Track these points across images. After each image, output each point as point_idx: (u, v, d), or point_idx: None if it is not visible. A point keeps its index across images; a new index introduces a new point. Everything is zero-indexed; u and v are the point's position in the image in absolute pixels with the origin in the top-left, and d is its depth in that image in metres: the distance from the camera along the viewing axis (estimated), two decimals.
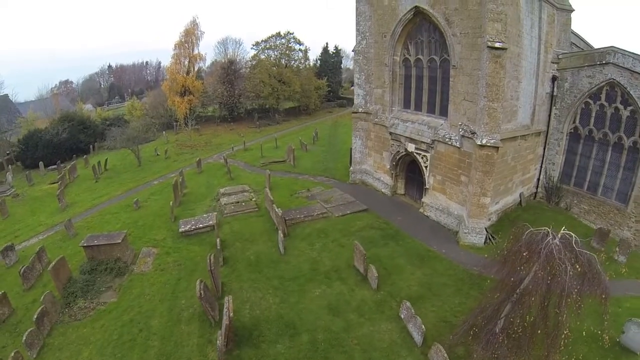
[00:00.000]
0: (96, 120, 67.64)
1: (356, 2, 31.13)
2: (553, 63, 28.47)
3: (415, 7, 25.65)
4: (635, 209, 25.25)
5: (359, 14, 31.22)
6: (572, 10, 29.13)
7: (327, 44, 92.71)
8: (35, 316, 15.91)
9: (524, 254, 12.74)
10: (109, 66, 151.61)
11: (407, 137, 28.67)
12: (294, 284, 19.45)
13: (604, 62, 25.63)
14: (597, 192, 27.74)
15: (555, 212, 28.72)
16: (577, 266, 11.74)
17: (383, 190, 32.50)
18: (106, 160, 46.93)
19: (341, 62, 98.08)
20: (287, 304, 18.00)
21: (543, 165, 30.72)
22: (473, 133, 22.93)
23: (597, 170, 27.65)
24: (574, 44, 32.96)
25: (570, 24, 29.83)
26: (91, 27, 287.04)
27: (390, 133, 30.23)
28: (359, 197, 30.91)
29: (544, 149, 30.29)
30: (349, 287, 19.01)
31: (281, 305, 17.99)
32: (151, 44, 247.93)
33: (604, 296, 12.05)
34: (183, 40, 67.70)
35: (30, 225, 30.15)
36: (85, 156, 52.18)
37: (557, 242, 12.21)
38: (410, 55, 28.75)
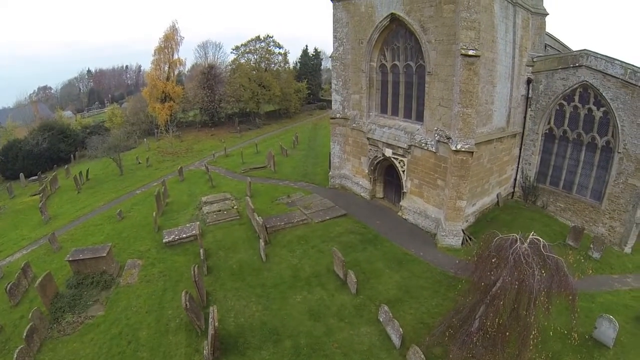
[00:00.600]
0: (76, 128, 68.01)
1: (333, 9, 31.71)
2: (528, 66, 29.53)
3: (392, 14, 26.42)
4: (609, 206, 26.46)
5: (336, 20, 31.85)
6: (547, 14, 30.19)
7: (306, 46, 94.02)
8: (24, 334, 16.31)
9: (493, 259, 13.58)
10: (88, 71, 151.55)
11: (384, 142, 29.33)
12: (276, 291, 20.12)
13: (577, 64, 26.70)
14: (572, 190, 28.90)
15: (532, 211, 29.81)
16: (543, 271, 12.58)
17: (362, 195, 33.25)
18: (87, 170, 47.28)
19: (321, 64, 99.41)
20: (269, 311, 18.68)
21: (519, 165, 31.75)
22: (448, 138, 23.71)
23: (571, 169, 28.81)
24: (549, 45, 34.17)
25: (545, 27, 30.85)
26: (67, 29, 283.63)
27: (368, 138, 30.91)
28: (338, 202, 31.68)
29: (520, 149, 31.32)
30: (329, 293, 19.74)
31: (264, 312, 18.67)
32: (131, 46, 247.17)
33: (571, 297, 12.96)
34: (162, 45, 68.16)
35: (13, 239, 30.44)
36: (66, 166, 52.36)
37: (526, 247, 13.06)
38: (386, 61, 29.46)
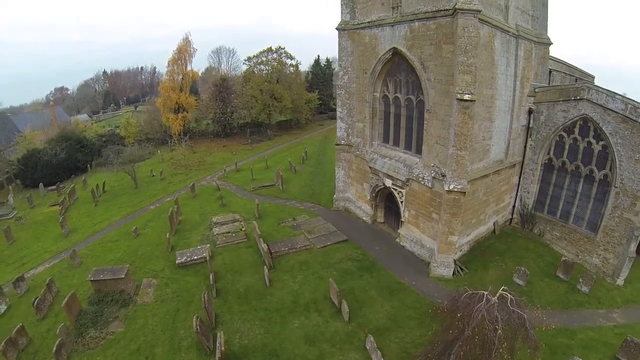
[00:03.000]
0: (92, 137, 71.67)
1: (339, 37, 34.05)
2: (530, 96, 31.51)
3: (394, 48, 28.68)
4: (604, 238, 28.36)
5: (341, 49, 34.22)
6: (551, 44, 32.10)
7: (318, 56, 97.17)
8: (54, 348, 19.26)
9: (459, 314, 15.86)
10: (104, 72, 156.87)
11: (384, 172, 31.67)
12: (277, 315, 22.95)
13: (578, 97, 28.58)
14: (568, 220, 31.01)
15: (528, 239, 32.06)
16: (500, 330, 14.60)
17: (364, 218, 35.90)
18: (104, 183, 50.86)
19: (332, 74, 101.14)
20: (270, 334, 21.54)
21: (518, 193, 33.94)
22: (443, 176, 25.96)
23: (569, 200, 30.88)
24: (554, 70, 36.29)
25: (548, 56, 32.73)
26: (78, 28, 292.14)
27: (370, 167, 33.31)
28: (340, 225, 34.44)
29: (520, 177, 33.50)
30: (324, 319, 22.50)
31: (266, 335, 21.54)
32: (145, 45, 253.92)
33: (530, 350, 15.08)
34: (176, 57, 71.80)
35: (36, 251, 33.83)
36: (83, 177, 56.07)
37: (493, 302, 15.26)
38: (389, 93, 31.72)
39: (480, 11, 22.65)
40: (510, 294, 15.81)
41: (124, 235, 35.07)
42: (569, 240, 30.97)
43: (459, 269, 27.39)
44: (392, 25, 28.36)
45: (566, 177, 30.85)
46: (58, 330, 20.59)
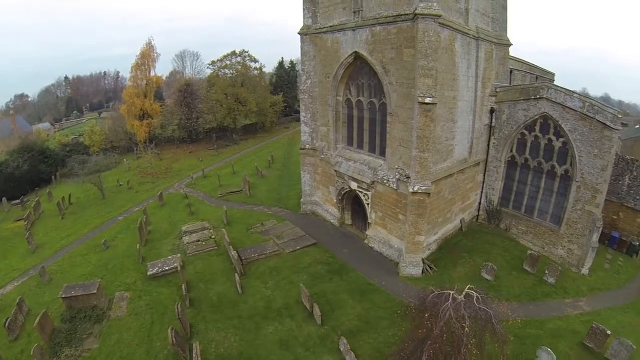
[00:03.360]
0: (56, 147, 70.62)
1: (301, 42, 34.73)
2: (491, 96, 32.76)
3: (355, 52, 29.45)
4: (568, 230, 30.07)
5: (303, 53, 34.89)
6: (510, 45, 33.44)
7: (282, 58, 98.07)
8: None
9: (427, 314, 16.74)
10: (66, 77, 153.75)
11: (349, 175, 32.50)
12: (251, 322, 23.47)
13: (538, 96, 30.09)
14: (533, 214, 32.59)
15: (494, 235, 33.44)
16: (467, 328, 15.48)
17: (332, 221, 36.78)
18: (70, 194, 50.23)
19: (297, 76, 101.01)
20: (245, 341, 22.03)
21: (483, 190, 35.24)
22: (407, 177, 26.85)
23: (532, 195, 32.47)
24: (515, 69, 37.79)
25: (508, 56, 34.02)
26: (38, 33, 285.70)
27: (335, 171, 34.10)
28: (309, 229, 35.22)
29: (484, 175, 34.82)
30: (297, 324, 23.12)
31: (241, 342, 22.00)
32: (109, 49, 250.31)
33: (496, 345, 16.17)
34: (139, 62, 71.41)
35: (2, 270, 33.27)
36: (48, 189, 55.10)
37: (460, 301, 16.13)
38: (352, 96, 32.52)
39: (440, 16, 23.56)
40: (476, 291, 16.72)
41: (93, 248, 34.94)
42: (535, 234, 32.48)
43: (427, 268, 28.32)
44: (354, 30, 29.10)
45: (529, 173, 32.35)
46: (32, 351, 20.56)
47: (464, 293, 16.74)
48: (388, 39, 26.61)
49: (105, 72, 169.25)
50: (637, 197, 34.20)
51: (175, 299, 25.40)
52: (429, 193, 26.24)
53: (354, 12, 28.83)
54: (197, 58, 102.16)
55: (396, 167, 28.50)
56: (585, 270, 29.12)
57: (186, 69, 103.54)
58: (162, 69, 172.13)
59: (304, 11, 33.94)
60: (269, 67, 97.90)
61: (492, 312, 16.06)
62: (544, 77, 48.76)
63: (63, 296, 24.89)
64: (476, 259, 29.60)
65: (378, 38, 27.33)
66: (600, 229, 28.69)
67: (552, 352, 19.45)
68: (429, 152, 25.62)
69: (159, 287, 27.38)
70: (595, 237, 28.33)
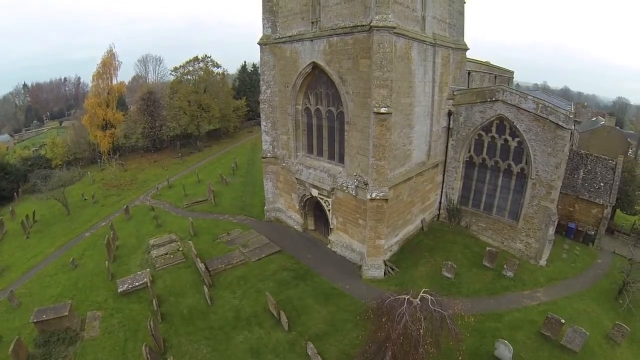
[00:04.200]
0: (16, 162, 69.85)
1: (260, 52, 36.03)
2: (449, 99, 34.78)
3: (313, 62, 30.85)
4: (525, 225, 32.54)
5: (263, 63, 36.24)
6: (467, 49, 35.40)
7: (245, 62, 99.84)
8: None
9: (384, 319, 18.39)
10: (24, 85, 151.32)
11: (310, 183, 34.00)
12: (222, 332, 24.86)
13: (494, 99, 32.40)
14: (492, 211, 34.95)
15: (455, 233, 35.64)
16: (421, 330, 17.18)
17: (295, 227, 38.41)
18: (34, 212, 50.35)
19: (260, 80, 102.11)
20: (217, 352, 23.40)
21: (443, 190, 37.36)
22: (366, 184, 28.47)
23: (491, 193, 34.80)
24: (473, 71, 39.92)
25: (465, 60, 36.04)
26: None
27: (297, 178, 35.54)
28: (273, 236, 36.89)
29: (444, 175, 36.90)
30: (266, 331, 24.64)
31: (213, 353, 23.34)
32: (70, 54, 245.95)
33: (452, 343, 18.10)
34: (101, 71, 71.50)
35: None
36: (10, 207, 54.83)
37: (415, 304, 17.83)
38: (311, 105, 33.97)
39: (395, 27, 25.14)
40: (430, 295, 18.49)
41: (61, 267, 35.42)
42: (494, 230, 34.86)
43: (389, 269, 30.19)
44: (312, 40, 30.48)
45: (487, 172, 34.68)
46: None
47: (419, 296, 18.43)
48: (345, 50, 28.05)
49: (65, 78, 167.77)
50: (592, 190, 37.07)
51: (147, 314, 26.45)
52: (387, 199, 27.89)
53: (312, 22, 30.22)
54: (160, 63, 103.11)
55: (355, 174, 30.08)
56: (543, 262, 31.59)
57: (149, 74, 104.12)
58: (124, 72, 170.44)
59: (263, 21, 35.08)
60: (236, 67, 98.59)
61: (446, 314, 17.83)
62: (503, 75, 51.33)
63: (35, 321, 25.45)
64: (437, 258, 31.55)
65: (335, 48, 28.75)
66: (556, 222, 31.01)
67: (509, 343, 21.48)
68: (386, 160, 27.21)
69: (130, 304, 28.35)
70: (552, 230, 30.67)
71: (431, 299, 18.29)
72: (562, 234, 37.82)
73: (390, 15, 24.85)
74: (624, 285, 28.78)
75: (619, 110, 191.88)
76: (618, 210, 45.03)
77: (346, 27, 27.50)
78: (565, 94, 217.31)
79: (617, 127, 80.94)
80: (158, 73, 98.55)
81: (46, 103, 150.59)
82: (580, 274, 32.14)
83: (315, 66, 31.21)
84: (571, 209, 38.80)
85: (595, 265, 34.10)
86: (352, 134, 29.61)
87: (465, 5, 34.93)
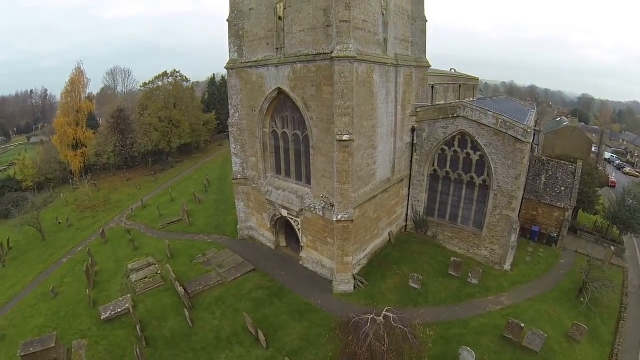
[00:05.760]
0: None
1: (228, 76, 37.90)
2: (412, 116, 37.23)
3: (279, 88, 32.70)
4: (489, 233, 35.45)
5: (230, 87, 37.96)
6: (429, 66, 37.86)
7: (214, 75, 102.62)
8: None
9: (350, 337, 21.21)
10: None
11: (280, 204, 36.21)
12: (205, 353, 27.00)
13: (455, 115, 35.10)
14: (457, 221, 37.90)
15: (422, 243, 38.55)
16: (384, 346, 20.02)
17: (268, 245, 40.85)
18: (8, 239, 51.61)
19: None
20: None
21: (410, 202, 40.17)
22: (332, 205, 30.75)
23: (455, 204, 37.69)
24: (438, 84, 42.56)
25: (428, 77, 38.48)
26: None
27: (267, 199, 37.71)
28: (247, 254, 39.40)
29: (409, 189, 39.69)
30: (246, 349, 26.96)
31: None
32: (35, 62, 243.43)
33: (414, 355, 21.08)
34: (69, 89, 73.35)
35: None
36: None
37: (379, 322, 20.76)
38: (277, 128, 35.95)
39: (355, 57, 26.85)
40: (393, 313, 21.45)
41: (41, 297, 36.55)
42: (460, 239, 37.83)
43: (359, 283, 32.82)
44: (277, 66, 32.32)
45: (451, 185, 37.53)
46: None
47: (382, 314, 21.34)
48: (309, 77, 29.85)
49: (32, 90, 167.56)
50: (553, 194, 40.52)
51: (131, 340, 28.44)
52: (352, 220, 30.26)
53: (277, 48, 31.99)
54: (129, 75, 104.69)
55: (321, 195, 32.37)
56: (507, 267, 34.67)
57: (118, 87, 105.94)
58: (93, 83, 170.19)
59: (229, 45, 36.67)
60: (203, 76, 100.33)
61: (407, 330, 20.78)
62: (467, 84, 54.38)
63: (22, 354, 26.71)
64: (404, 270, 34.36)
65: (299, 75, 30.59)
66: (518, 230, 34.03)
67: (471, 350, 24.25)
68: (350, 184, 29.47)
69: (114, 330, 30.12)
70: (514, 237, 33.77)
71: (393, 316, 21.23)
72: (527, 237, 41.31)
73: (351, 45, 26.60)
74: (583, 284, 31.60)
75: (584, 107, 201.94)
76: (580, 211, 48.79)
77: (309, 55, 29.20)
78: (532, 92, 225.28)
79: (580, 128, 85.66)
80: (127, 85, 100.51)
81: (12, 117, 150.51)
82: (544, 275, 35.31)
83: (280, 91, 32.99)
84: (534, 212, 42.19)
85: (558, 265, 37.34)
86: (318, 158, 31.80)
87: (427, 24, 36.98)
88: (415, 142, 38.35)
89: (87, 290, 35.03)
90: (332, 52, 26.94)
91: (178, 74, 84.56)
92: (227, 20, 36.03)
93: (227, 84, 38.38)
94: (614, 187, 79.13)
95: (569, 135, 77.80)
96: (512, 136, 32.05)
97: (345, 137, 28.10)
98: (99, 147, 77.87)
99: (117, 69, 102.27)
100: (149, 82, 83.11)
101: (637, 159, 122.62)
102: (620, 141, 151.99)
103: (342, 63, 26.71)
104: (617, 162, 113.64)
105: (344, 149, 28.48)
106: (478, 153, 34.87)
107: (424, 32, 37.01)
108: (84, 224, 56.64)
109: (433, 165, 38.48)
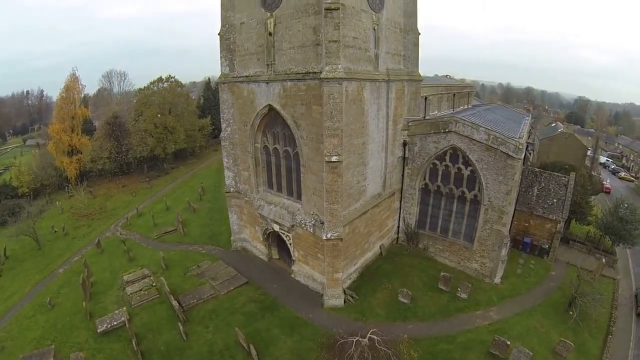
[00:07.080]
0: None
1: (220, 91, 38.69)
2: (403, 130, 38.44)
3: (269, 105, 33.59)
4: (480, 247, 36.80)
5: (222, 101, 38.84)
6: (421, 80, 38.81)
7: (209, 79, 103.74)
8: None
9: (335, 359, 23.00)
10: None
11: (271, 219, 37.53)
12: None
13: (447, 130, 36.32)
14: (448, 234, 39.37)
15: (413, 255, 40.07)
16: None
17: (261, 257, 42.39)
18: (5, 248, 53.04)
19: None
20: None
21: (401, 215, 41.67)
22: (322, 223, 31.96)
23: (446, 217, 39.13)
24: (430, 95, 43.73)
25: (420, 90, 39.41)
26: None
27: (259, 213, 39.11)
28: (240, 266, 40.98)
29: (401, 202, 41.14)
30: None
31: None
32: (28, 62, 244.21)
33: None
34: (64, 96, 74.80)
35: None
36: None
37: (367, 341, 22.49)
38: (269, 144, 36.95)
39: (344, 78, 27.40)
40: (377, 335, 23.12)
41: (38, 308, 37.85)
42: (451, 251, 39.32)
43: (349, 297, 34.34)
44: (267, 83, 33.03)
45: (442, 199, 38.93)
46: None
47: (367, 336, 23.03)
48: (299, 95, 30.54)
49: (28, 91, 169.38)
50: (545, 206, 42.11)
51: (127, 353, 29.83)
52: (342, 239, 31.48)
53: (267, 65, 32.59)
54: (125, 78, 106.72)
55: (312, 212, 33.57)
56: (497, 280, 36.09)
57: (114, 89, 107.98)
58: (89, 85, 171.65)
59: (221, 59, 37.23)
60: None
61: (390, 352, 22.58)
62: (462, 92, 55.62)
63: None
64: (395, 284, 35.79)
65: (289, 93, 31.31)
66: (508, 244, 35.44)
67: None
68: (339, 204, 30.52)
69: (110, 343, 31.17)
70: (504, 251, 35.17)
71: (377, 339, 22.94)
72: (519, 248, 43.04)
73: (340, 65, 27.06)
74: (572, 298, 32.84)
75: (579, 109, 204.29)
76: (573, 221, 50.48)
77: (299, 73, 29.83)
78: (529, 93, 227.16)
79: (575, 134, 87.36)
80: (123, 88, 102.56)
81: (8, 118, 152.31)
82: (534, 288, 36.71)
83: (271, 108, 33.76)
84: (526, 224, 43.78)
85: (549, 277, 38.83)
86: (308, 176, 32.91)
87: (419, 37, 37.50)
88: (406, 155, 39.50)
89: (84, 303, 36.21)
90: (321, 71, 27.57)
91: (173, 79, 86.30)
92: (219, 34, 36.66)
93: (220, 98, 39.04)
94: (609, 193, 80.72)
95: (564, 141, 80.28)
96: (504, 152, 33.01)
97: (334, 159, 28.95)
98: (94, 152, 79.17)
99: (112, 71, 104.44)
100: (144, 87, 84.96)
101: (632, 163, 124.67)
102: (616, 145, 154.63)
103: (331, 84, 27.33)
104: (613, 166, 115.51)
105: (333, 169, 29.36)
106: (469, 168, 36.01)
107: (416, 45, 37.47)
108: (80, 232, 58.30)
109: (424, 179, 39.74)
